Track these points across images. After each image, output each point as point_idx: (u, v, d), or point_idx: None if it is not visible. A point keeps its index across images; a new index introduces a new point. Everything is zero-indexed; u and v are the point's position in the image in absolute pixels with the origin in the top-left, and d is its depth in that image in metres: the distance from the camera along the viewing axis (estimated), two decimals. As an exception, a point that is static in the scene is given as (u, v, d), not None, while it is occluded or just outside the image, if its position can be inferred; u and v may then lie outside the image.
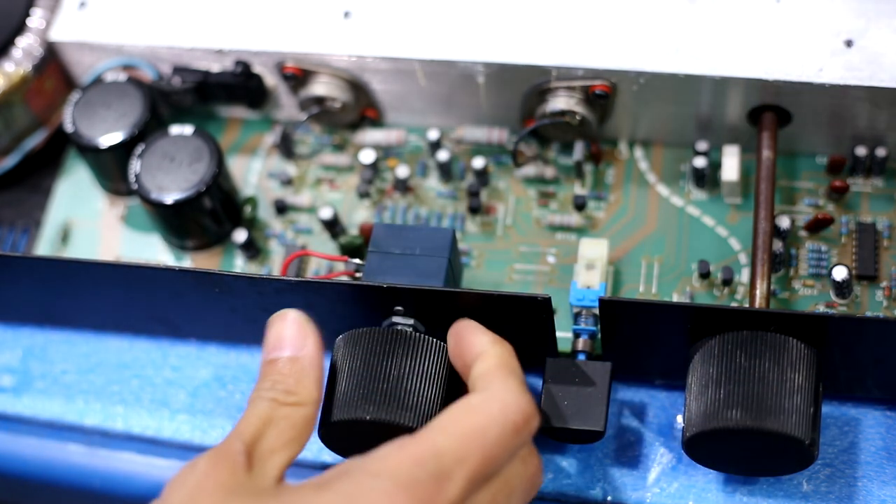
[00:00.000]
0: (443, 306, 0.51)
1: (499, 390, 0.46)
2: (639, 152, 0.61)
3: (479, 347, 0.49)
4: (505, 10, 0.59)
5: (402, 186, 0.61)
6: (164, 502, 0.44)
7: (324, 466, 0.57)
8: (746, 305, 0.56)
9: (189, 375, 0.60)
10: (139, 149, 0.59)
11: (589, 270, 0.55)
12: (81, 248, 0.63)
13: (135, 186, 0.59)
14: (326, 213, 0.60)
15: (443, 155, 0.61)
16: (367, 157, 0.62)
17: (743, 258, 0.58)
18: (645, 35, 0.57)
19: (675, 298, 0.57)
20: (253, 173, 0.64)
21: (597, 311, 0.54)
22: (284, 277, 0.53)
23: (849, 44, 0.56)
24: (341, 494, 0.42)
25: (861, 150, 0.58)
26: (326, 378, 0.50)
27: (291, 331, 0.49)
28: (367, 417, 0.49)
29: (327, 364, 0.51)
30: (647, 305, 0.52)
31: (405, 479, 0.42)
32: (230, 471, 0.44)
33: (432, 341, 0.51)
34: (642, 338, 0.53)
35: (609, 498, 0.54)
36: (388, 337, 0.51)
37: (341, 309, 0.53)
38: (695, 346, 0.51)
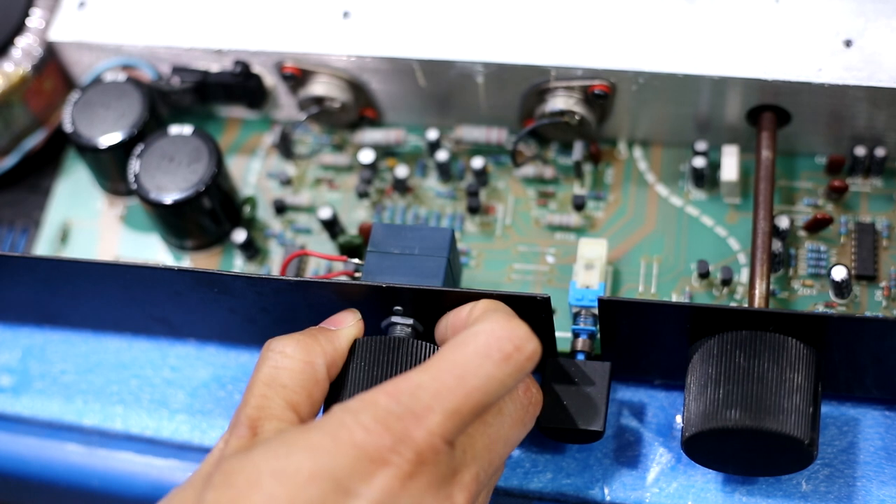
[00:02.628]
0: (442, 306, 0.51)
1: (484, 324, 0.46)
2: (638, 152, 0.61)
3: (465, 311, 0.50)
4: (504, 10, 0.59)
5: (402, 186, 0.61)
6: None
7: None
8: (745, 305, 0.56)
9: (188, 376, 0.60)
10: (138, 149, 0.59)
11: (588, 270, 0.55)
12: (80, 248, 0.63)
13: (134, 186, 0.59)
14: (325, 213, 0.60)
15: (442, 155, 0.61)
16: (366, 156, 0.62)
17: (742, 258, 0.58)
18: (644, 35, 0.57)
19: (675, 298, 0.57)
20: (252, 173, 0.64)
21: (596, 311, 0.54)
22: (284, 277, 0.53)
23: (848, 44, 0.56)
24: (325, 432, 0.43)
25: (860, 150, 0.58)
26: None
27: (347, 316, 0.51)
28: None
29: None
30: (647, 305, 0.52)
31: (382, 413, 0.44)
32: (236, 447, 0.46)
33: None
34: (641, 338, 0.53)
35: (608, 498, 0.54)
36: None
37: (341, 309, 0.53)
38: (694, 346, 0.51)
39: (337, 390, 0.50)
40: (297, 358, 0.49)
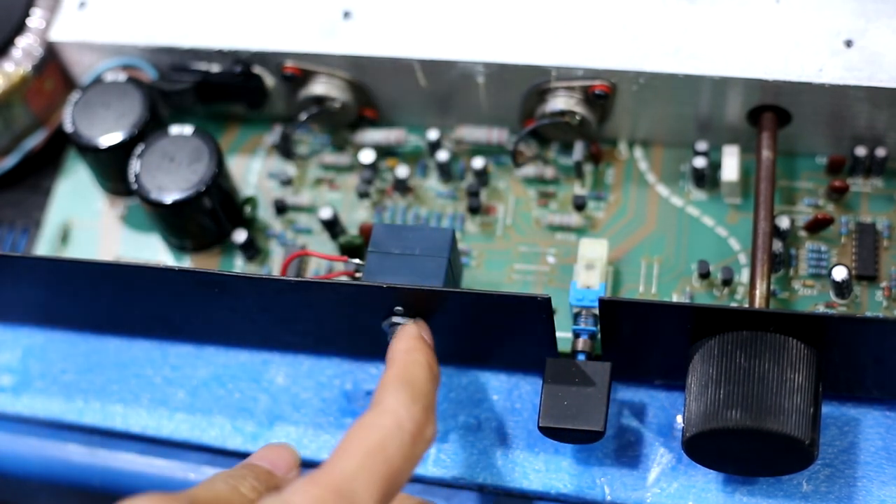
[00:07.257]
0: (443, 306, 0.51)
1: (389, 404, 0.47)
2: (638, 152, 0.61)
3: (390, 354, 0.50)
4: (505, 10, 0.59)
5: (402, 186, 0.61)
6: None
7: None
8: (746, 305, 0.56)
9: (188, 375, 0.60)
10: (139, 149, 0.59)
11: (589, 270, 0.55)
12: (81, 249, 0.63)
13: (134, 186, 0.59)
14: (326, 213, 0.60)
15: (442, 155, 0.61)
16: (367, 157, 0.62)
17: (743, 258, 0.58)
18: (645, 35, 0.58)
19: (675, 298, 0.57)
20: (253, 173, 0.64)
21: (596, 312, 0.54)
22: (284, 277, 0.53)
23: (848, 44, 0.56)
24: None
25: (861, 151, 0.58)
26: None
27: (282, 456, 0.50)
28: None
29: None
30: (647, 305, 0.52)
31: None
32: None
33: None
34: (642, 338, 0.53)
35: (609, 498, 0.54)
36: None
37: (341, 309, 0.53)
38: (694, 347, 0.51)
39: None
40: None
